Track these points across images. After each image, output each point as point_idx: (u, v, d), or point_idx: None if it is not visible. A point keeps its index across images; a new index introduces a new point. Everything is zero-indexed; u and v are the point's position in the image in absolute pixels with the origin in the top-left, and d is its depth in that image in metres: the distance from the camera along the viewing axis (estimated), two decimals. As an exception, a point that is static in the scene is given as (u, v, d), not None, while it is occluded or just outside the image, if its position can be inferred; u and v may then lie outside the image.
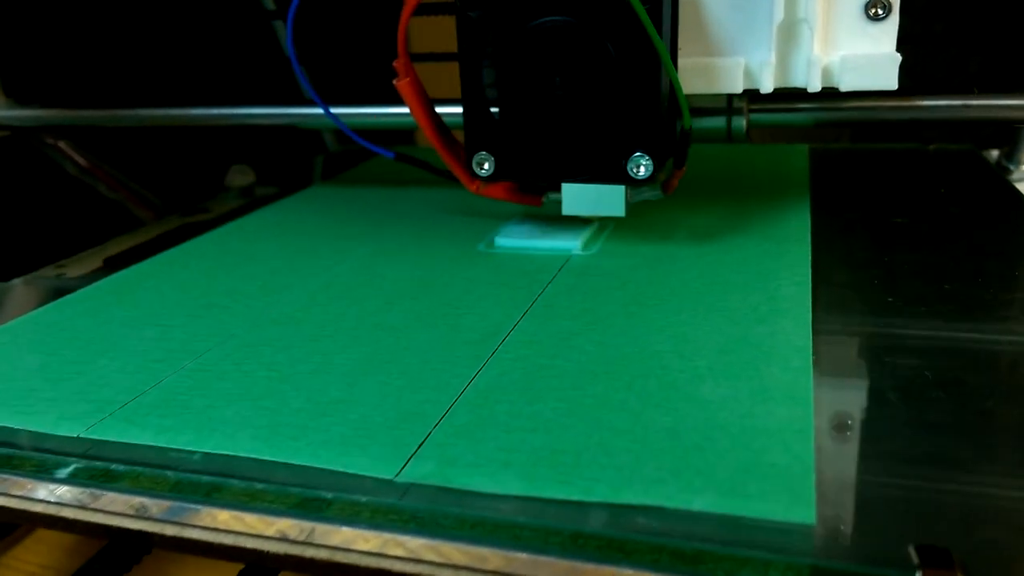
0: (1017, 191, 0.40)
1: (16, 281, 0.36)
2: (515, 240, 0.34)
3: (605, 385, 0.22)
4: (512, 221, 0.36)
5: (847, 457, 0.19)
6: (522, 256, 0.33)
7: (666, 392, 0.21)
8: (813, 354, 0.23)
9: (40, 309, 0.31)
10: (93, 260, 0.38)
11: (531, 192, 0.35)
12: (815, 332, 0.24)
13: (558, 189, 0.33)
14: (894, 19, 0.30)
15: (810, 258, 0.30)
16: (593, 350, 0.24)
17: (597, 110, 0.29)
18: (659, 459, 0.18)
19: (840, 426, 0.20)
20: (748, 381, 0.22)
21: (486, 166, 0.32)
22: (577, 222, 0.35)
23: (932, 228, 0.35)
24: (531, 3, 0.29)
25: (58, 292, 0.32)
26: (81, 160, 0.55)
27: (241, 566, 0.24)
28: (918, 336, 0.24)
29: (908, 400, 0.21)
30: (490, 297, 0.29)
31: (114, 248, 0.40)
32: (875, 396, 0.21)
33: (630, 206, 0.32)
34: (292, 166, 0.56)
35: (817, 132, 0.70)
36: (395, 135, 0.48)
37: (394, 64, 0.32)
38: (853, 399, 0.21)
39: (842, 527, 0.16)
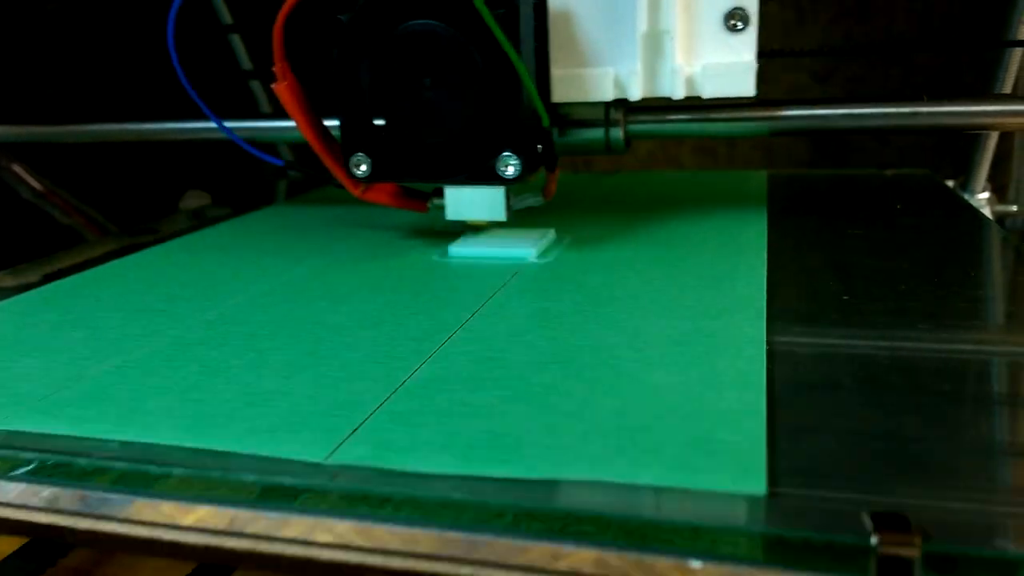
0: (973, 207, 0.41)
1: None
2: (469, 249, 0.33)
3: (553, 374, 0.21)
4: (467, 234, 0.35)
5: (800, 435, 0.18)
6: (476, 264, 0.32)
7: (616, 379, 0.21)
8: (767, 344, 0.22)
9: (-34, 315, 0.29)
10: (30, 274, 0.37)
11: (416, 197, 0.35)
12: (769, 325, 0.24)
13: (442, 195, 0.33)
14: (752, 30, 0.31)
15: (766, 263, 0.30)
16: (543, 345, 0.23)
17: (465, 112, 0.30)
18: (605, 439, 0.18)
19: (794, 408, 0.19)
20: (700, 368, 0.21)
21: (363, 167, 0.32)
22: (533, 233, 0.34)
23: (888, 238, 0.35)
24: (399, 7, 0.30)
25: (-11, 301, 0.31)
26: (35, 183, 0.54)
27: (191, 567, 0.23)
28: (874, 328, 0.24)
29: (862, 384, 0.20)
30: (439, 300, 0.28)
31: (55, 264, 0.39)
32: (830, 380, 0.21)
33: (513, 212, 0.33)
34: (251, 190, 0.55)
35: (780, 150, 0.72)
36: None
37: (273, 69, 0.32)
38: (809, 384, 0.21)
39: (796, 497, 0.15)
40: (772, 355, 0.22)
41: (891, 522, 0.14)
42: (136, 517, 0.17)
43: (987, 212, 0.56)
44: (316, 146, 0.33)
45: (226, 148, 0.51)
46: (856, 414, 0.19)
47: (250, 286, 0.30)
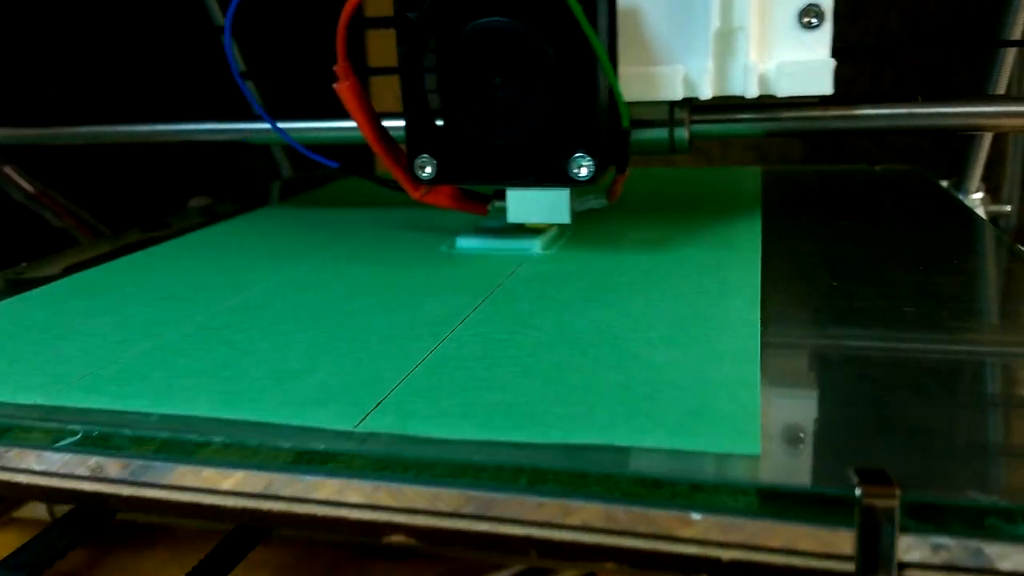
0: (961, 202, 0.42)
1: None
2: (476, 241, 0.35)
3: (561, 353, 0.23)
4: (471, 229, 0.37)
5: (793, 406, 0.19)
6: (483, 256, 0.34)
7: (619, 357, 0.22)
8: (761, 325, 0.24)
9: (-4, 304, 0.30)
10: (51, 267, 0.38)
11: (476, 200, 0.35)
12: (764, 308, 0.25)
13: (503, 197, 0.33)
14: (827, 27, 0.31)
15: (760, 252, 0.32)
16: (550, 327, 0.25)
17: (537, 111, 0.30)
18: (611, 408, 0.19)
19: (787, 382, 0.21)
20: (698, 347, 0.22)
21: (428, 169, 0.32)
22: (536, 228, 0.36)
23: (876, 230, 0.36)
24: (469, 4, 0.29)
25: (16, 291, 0.32)
26: (27, 186, 0.54)
27: (203, 553, 0.24)
28: (863, 311, 0.25)
29: (850, 363, 0.22)
30: (450, 288, 0.29)
31: (74, 257, 0.40)
32: (820, 358, 0.22)
33: (576, 214, 0.33)
34: (247, 192, 0.56)
35: (773, 149, 0.73)
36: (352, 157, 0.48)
37: (334, 68, 0.32)
38: (800, 360, 0.22)
39: (787, 457, 0.17)
40: (765, 334, 0.23)
41: (873, 476, 0.15)
42: (178, 483, 0.19)
43: (981, 212, 0.57)
44: (377, 147, 0.33)
45: (219, 150, 0.52)
46: (843, 387, 0.20)
47: (268, 277, 0.32)
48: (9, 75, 0.54)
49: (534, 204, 0.32)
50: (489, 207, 0.35)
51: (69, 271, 0.37)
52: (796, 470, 0.17)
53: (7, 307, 0.30)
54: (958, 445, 0.17)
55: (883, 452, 0.17)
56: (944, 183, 0.56)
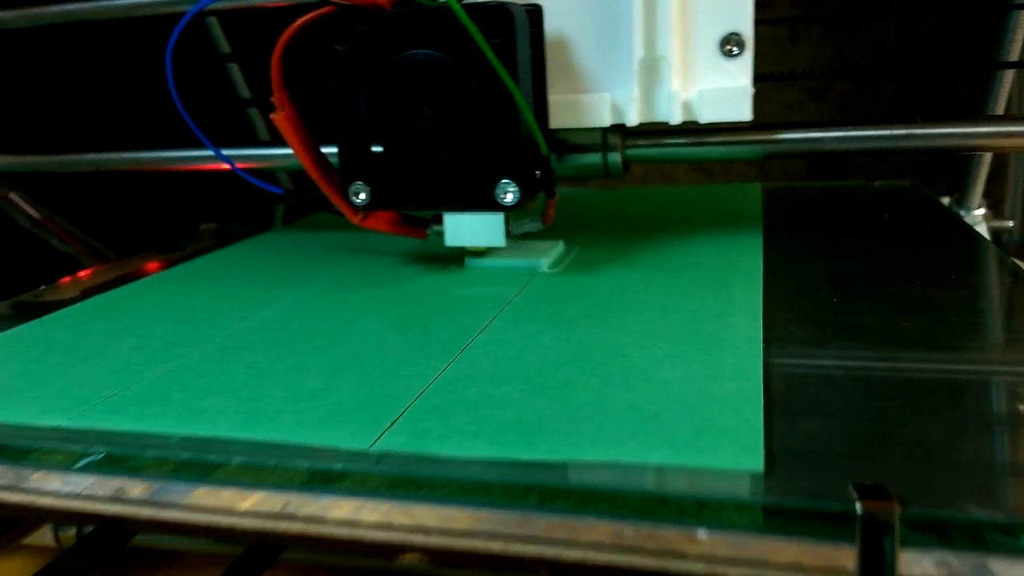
0: (958, 217, 0.43)
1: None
2: (484, 261, 0.35)
3: (569, 372, 0.23)
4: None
5: (795, 423, 0.20)
6: (491, 273, 0.34)
7: (627, 375, 0.23)
8: (764, 342, 0.24)
9: (19, 327, 0.31)
10: (70, 290, 0.39)
11: (415, 224, 0.36)
12: (765, 325, 0.26)
13: (441, 221, 0.34)
14: (748, 55, 0.32)
15: (762, 269, 0.32)
16: (558, 346, 0.25)
17: (464, 139, 0.31)
18: (619, 425, 0.20)
19: (789, 398, 0.21)
20: (703, 364, 0.23)
21: (362, 195, 0.33)
22: (544, 245, 0.36)
23: (875, 245, 0.37)
24: (396, 37, 0.30)
25: (36, 314, 0.33)
26: (33, 212, 0.55)
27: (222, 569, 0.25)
28: (864, 328, 0.26)
29: (851, 380, 0.22)
30: (460, 306, 0.30)
31: (92, 281, 0.41)
32: (821, 374, 0.23)
33: (513, 237, 0.34)
34: (254, 217, 0.56)
35: (775, 165, 0.73)
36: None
37: (271, 99, 0.32)
38: (801, 377, 0.23)
39: (790, 473, 0.17)
40: (768, 351, 0.24)
41: (873, 491, 0.16)
42: (197, 504, 0.19)
43: (983, 228, 0.57)
44: (314, 174, 0.34)
45: (227, 176, 0.53)
46: (844, 402, 0.21)
47: (282, 298, 0.32)
48: (15, 103, 0.55)
49: (471, 228, 0.33)
50: (428, 231, 0.35)
51: (88, 294, 0.38)
52: (799, 486, 0.17)
53: (29, 330, 0.31)
54: (958, 461, 0.18)
55: (884, 467, 0.17)
56: (946, 199, 0.56)
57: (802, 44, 0.67)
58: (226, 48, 0.64)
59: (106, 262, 0.53)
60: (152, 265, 0.42)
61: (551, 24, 0.33)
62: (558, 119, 0.33)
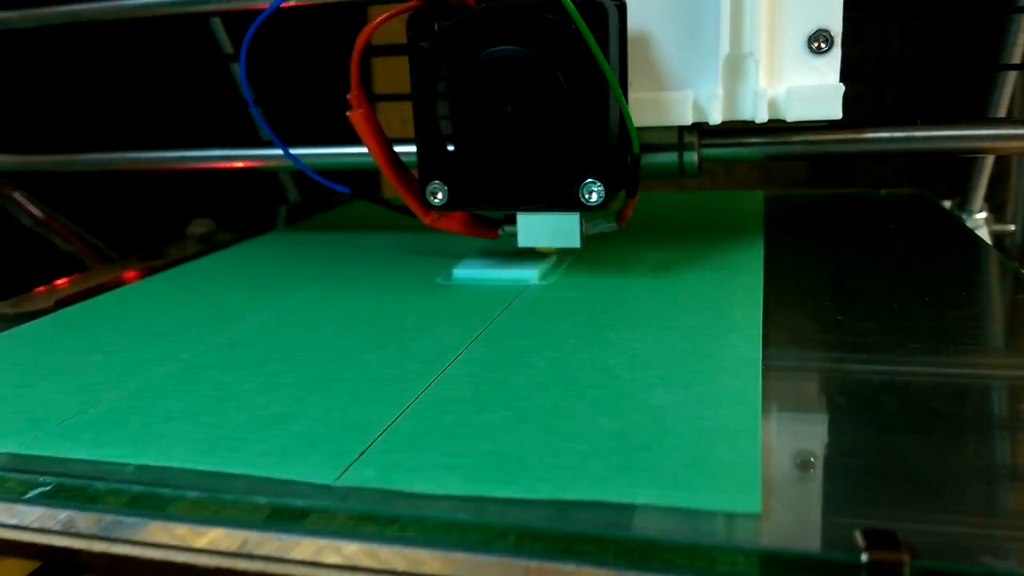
0: (962, 223, 0.41)
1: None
2: (473, 272, 0.34)
3: (555, 395, 0.22)
4: (470, 255, 0.36)
5: (796, 457, 0.18)
6: (479, 287, 0.33)
7: (616, 400, 0.21)
8: (763, 365, 0.23)
9: (-19, 341, 0.30)
10: (43, 300, 0.38)
11: (487, 225, 0.35)
12: (765, 345, 0.24)
13: (513, 222, 0.33)
14: (836, 52, 0.31)
15: (762, 283, 0.31)
16: (545, 366, 0.24)
17: (549, 138, 0.30)
18: (606, 459, 0.18)
19: (790, 428, 0.20)
20: (698, 388, 0.22)
21: (439, 195, 0.32)
22: (535, 256, 0.35)
23: (880, 256, 0.35)
24: (481, 34, 0.30)
25: (5, 326, 0.32)
26: (37, 212, 0.54)
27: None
28: (869, 347, 0.25)
29: (856, 408, 0.21)
30: (444, 323, 0.28)
31: (68, 290, 0.40)
32: (824, 400, 0.21)
33: (586, 238, 0.32)
34: (254, 217, 0.56)
35: (777, 169, 0.72)
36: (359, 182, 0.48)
37: (348, 96, 0.32)
38: (803, 403, 0.21)
39: (790, 516, 0.16)
40: (767, 374, 0.22)
41: (881, 539, 0.14)
42: (150, 539, 0.18)
43: (985, 232, 0.56)
44: (389, 173, 0.33)
45: (228, 176, 0.52)
46: (848, 433, 0.19)
47: (260, 311, 0.31)
48: (18, 103, 0.54)
49: (544, 229, 0.32)
50: (500, 232, 0.34)
51: (62, 304, 0.36)
52: (800, 530, 0.16)
53: (-9, 344, 0.29)
54: (968, 501, 0.16)
55: (891, 508, 0.16)
56: (947, 203, 0.55)
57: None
58: (229, 48, 0.63)
59: (108, 261, 0.52)
60: (131, 274, 0.41)
61: (634, 20, 0.32)
62: (639, 117, 0.32)
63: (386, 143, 0.33)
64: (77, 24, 0.48)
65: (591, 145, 0.30)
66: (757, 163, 0.72)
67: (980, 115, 0.52)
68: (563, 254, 0.36)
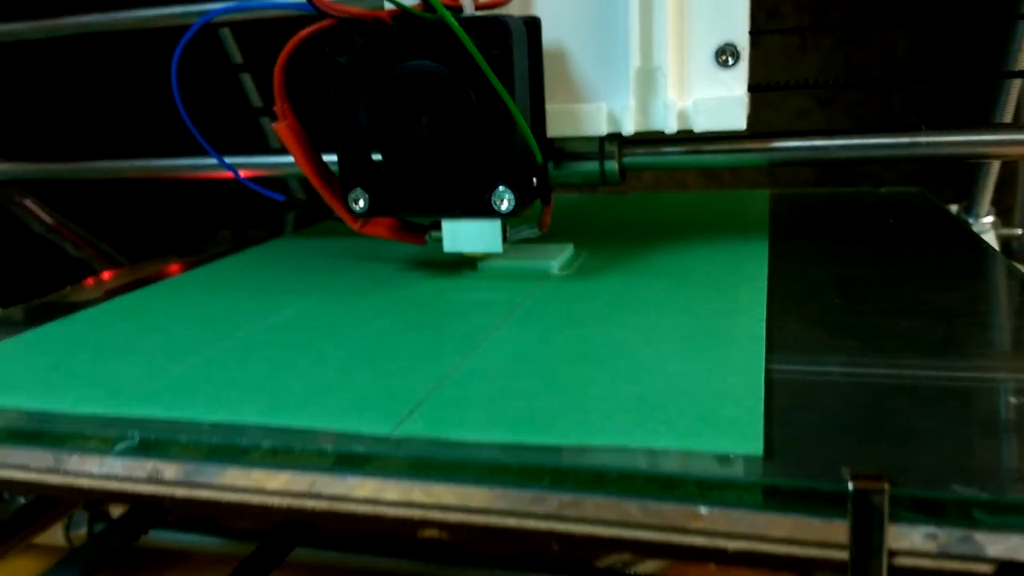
0: (961, 221, 0.43)
1: (18, 307, 0.38)
2: (497, 262, 0.37)
3: (579, 367, 0.24)
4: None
5: (794, 413, 0.21)
6: (502, 276, 0.35)
7: (634, 369, 0.24)
8: (766, 339, 0.25)
9: (47, 324, 0.32)
10: (94, 291, 0.40)
11: (414, 231, 0.36)
12: (769, 324, 0.27)
13: (439, 228, 0.35)
14: (743, 65, 0.33)
15: (767, 272, 0.33)
16: (569, 344, 0.26)
17: (460, 148, 0.31)
18: (627, 415, 0.21)
19: (789, 391, 0.22)
20: (707, 360, 0.24)
21: (361, 202, 0.34)
22: (555, 248, 0.37)
23: (878, 249, 0.38)
24: (395, 49, 0.31)
25: (61, 313, 0.34)
26: (47, 218, 0.56)
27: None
28: (864, 327, 0.27)
29: (850, 375, 0.23)
30: (472, 307, 0.31)
31: (115, 282, 0.42)
32: (822, 369, 0.24)
33: (510, 243, 0.34)
34: (264, 224, 0.57)
35: (783, 171, 0.74)
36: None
37: (274, 108, 0.33)
38: (802, 372, 0.24)
39: (788, 457, 0.18)
40: (770, 347, 0.25)
41: (865, 473, 0.17)
42: (229, 484, 0.20)
43: (991, 236, 0.57)
44: (315, 182, 0.35)
45: (234, 183, 0.54)
46: (842, 393, 0.22)
47: (299, 299, 0.34)
48: (29, 111, 0.56)
49: (468, 234, 0.34)
50: (427, 237, 0.36)
51: (111, 295, 0.39)
52: (796, 469, 0.18)
53: (57, 327, 0.32)
54: (948, 447, 0.19)
55: (877, 453, 0.18)
56: (954, 207, 0.57)
57: (811, 52, 0.69)
58: (238, 59, 0.65)
59: (119, 267, 0.54)
60: (172, 267, 0.44)
61: (549, 35, 0.34)
62: (556, 128, 0.34)
63: (312, 153, 0.35)
64: (85, 34, 0.50)
65: (501, 155, 0.31)
66: (763, 169, 0.74)
67: (986, 120, 0.53)
68: (580, 246, 0.39)
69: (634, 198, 0.55)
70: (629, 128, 0.34)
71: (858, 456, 0.18)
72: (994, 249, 0.36)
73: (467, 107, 0.31)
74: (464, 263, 0.38)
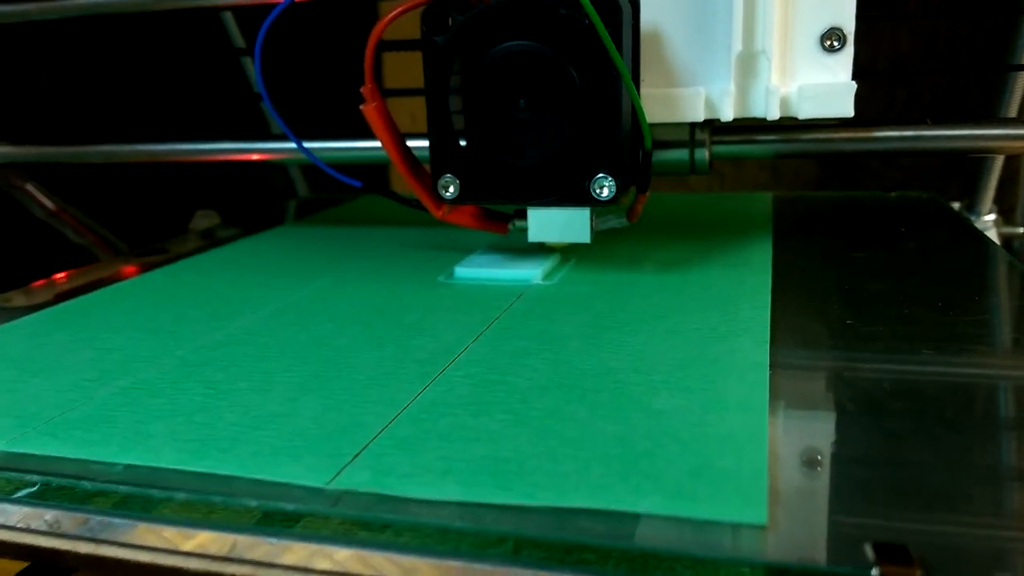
0: (975, 228, 0.40)
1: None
2: (475, 271, 0.33)
3: (556, 398, 0.21)
4: (474, 253, 0.36)
5: (804, 465, 0.18)
6: (481, 286, 0.32)
7: (618, 404, 0.21)
8: (770, 368, 0.22)
9: (-24, 335, 0.29)
10: (43, 293, 0.37)
11: (497, 219, 0.35)
12: (773, 349, 0.24)
13: (524, 216, 0.33)
14: (849, 50, 0.31)
15: (770, 285, 0.30)
16: (546, 368, 0.23)
17: (561, 132, 0.30)
18: (607, 465, 0.18)
19: (798, 436, 0.19)
20: (703, 393, 0.21)
21: (451, 189, 0.32)
22: (538, 254, 0.34)
23: (891, 260, 0.35)
24: (495, 28, 0.29)
25: (3, 319, 0.31)
26: (48, 203, 0.54)
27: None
28: (876, 352, 0.24)
29: (865, 414, 0.20)
30: (444, 322, 0.28)
31: (67, 284, 0.39)
32: (833, 406, 0.21)
33: (596, 234, 0.32)
34: (262, 211, 0.55)
35: (786, 169, 0.71)
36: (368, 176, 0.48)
37: (361, 90, 0.32)
38: (812, 410, 0.21)
39: (797, 528, 0.15)
40: (774, 379, 0.22)
41: (892, 553, 0.14)
42: (138, 541, 0.17)
43: (993, 234, 0.56)
44: (401, 167, 0.33)
45: (237, 169, 0.52)
46: (857, 441, 0.19)
47: (258, 307, 0.31)
48: (31, 95, 0.54)
49: (554, 224, 0.32)
50: (510, 226, 0.34)
51: (60, 298, 0.36)
52: (807, 542, 0.15)
53: (-15, 338, 0.29)
54: (979, 514, 0.16)
55: (902, 521, 0.15)
56: (956, 205, 0.54)
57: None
58: (241, 43, 0.63)
59: (118, 253, 0.52)
60: (130, 269, 0.40)
61: (646, 16, 0.32)
62: (651, 113, 0.32)
63: (399, 137, 0.33)
64: (89, 17, 0.48)
65: (603, 140, 0.29)
66: (766, 164, 0.72)
67: (990, 115, 0.51)
68: (568, 252, 0.36)
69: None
70: (728, 114, 0.32)
71: (882, 522, 0.15)
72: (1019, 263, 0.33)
73: (570, 89, 0.29)
74: (446, 266, 0.35)
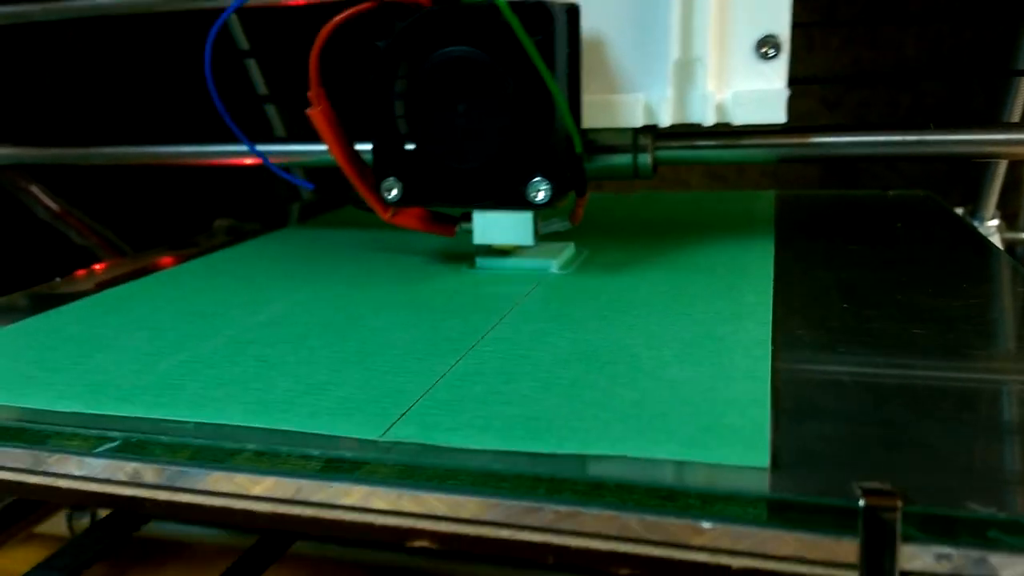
0: (970, 225, 0.43)
1: (3, 298, 0.37)
2: (495, 261, 0.36)
3: (577, 370, 0.23)
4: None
5: (802, 423, 0.20)
6: (501, 274, 0.35)
7: (634, 374, 0.23)
8: (772, 345, 0.25)
9: (34, 317, 0.32)
10: (85, 282, 0.40)
11: (444, 222, 0.36)
12: (775, 329, 0.26)
13: (470, 219, 0.34)
14: (783, 57, 0.32)
15: (772, 275, 0.32)
16: (567, 345, 0.26)
17: (497, 137, 0.31)
18: (626, 423, 0.20)
19: (796, 399, 0.22)
20: (711, 366, 0.23)
21: (394, 191, 0.33)
22: (554, 246, 0.37)
23: (886, 253, 0.37)
24: (435, 34, 0.31)
25: (50, 305, 0.33)
26: (52, 204, 0.56)
27: (219, 570, 0.25)
28: (872, 333, 0.26)
29: (858, 383, 0.22)
30: (469, 306, 0.30)
31: (107, 275, 0.42)
32: (829, 377, 0.23)
33: (540, 237, 0.34)
34: (269, 214, 0.57)
35: (789, 173, 0.73)
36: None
37: (308, 94, 0.33)
38: (809, 379, 0.23)
39: (796, 470, 0.18)
40: (776, 354, 0.24)
41: (877, 488, 0.16)
42: (211, 488, 0.20)
43: (997, 239, 0.57)
44: (347, 170, 0.34)
45: (240, 172, 0.53)
46: (851, 404, 0.21)
47: (292, 294, 0.33)
48: (36, 96, 0.55)
49: (499, 226, 0.34)
50: (456, 229, 0.36)
51: (102, 287, 0.38)
52: (804, 482, 0.17)
53: (44, 320, 0.31)
54: (962, 462, 0.18)
55: (889, 468, 0.18)
56: (960, 210, 0.56)
57: (819, 53, 0.68)
58: (245, 44, 0.65)
59: (122, 255, 0.53)
60: (166, 260, 0.43)
61: (587, 24, 0.33)
62: (591, 119, 0.33)
63: (345, 140, 0.34)
64: (94, 18, 0.49)
65: (538, 145, 0.31)
66: (768, 168, 0.74)
67: (994, 120, 0.53)
68: (581, 245, 0.38)
69: (638, 197, 0.54)
70: (666, 120, 0.33)
71: (870, 469, 0.18)
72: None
73: (505, 94, 0.30)
74: (463, 260, 0.37)
